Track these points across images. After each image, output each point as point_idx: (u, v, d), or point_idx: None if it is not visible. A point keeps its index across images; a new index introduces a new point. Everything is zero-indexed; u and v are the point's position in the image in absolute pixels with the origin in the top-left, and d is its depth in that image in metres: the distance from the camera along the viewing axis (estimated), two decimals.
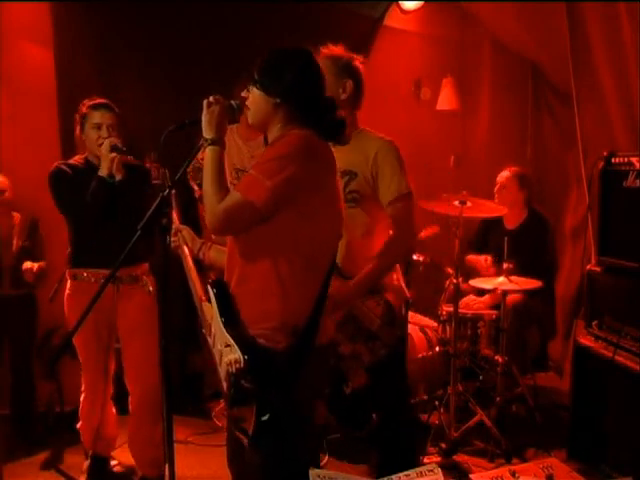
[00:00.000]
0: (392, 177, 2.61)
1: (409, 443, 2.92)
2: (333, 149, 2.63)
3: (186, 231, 2.39)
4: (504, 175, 4.28)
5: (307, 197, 1.94)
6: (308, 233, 1.97)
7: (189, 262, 2.29)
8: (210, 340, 2.07)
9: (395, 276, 2.74)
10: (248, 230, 1.97)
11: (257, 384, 1.84)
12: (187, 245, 2.36)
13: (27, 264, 3.73)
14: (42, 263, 3.82)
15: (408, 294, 2.84)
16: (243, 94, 2.10)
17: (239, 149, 3.61)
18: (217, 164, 1.99)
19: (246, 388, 1.84)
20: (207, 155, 2.01)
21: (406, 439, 2.87)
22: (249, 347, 1.88)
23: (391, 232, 2.65)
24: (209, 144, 2.00)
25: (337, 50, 2.69)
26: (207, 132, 2.01)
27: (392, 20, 5.05)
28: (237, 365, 1.85)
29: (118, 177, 2.96)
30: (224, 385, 1.97)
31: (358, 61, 2.71)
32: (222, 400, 2.34)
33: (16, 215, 3.91)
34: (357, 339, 2.59)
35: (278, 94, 2.00)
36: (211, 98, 2.05)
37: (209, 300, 2.09)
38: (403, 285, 2.79)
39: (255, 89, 2.03)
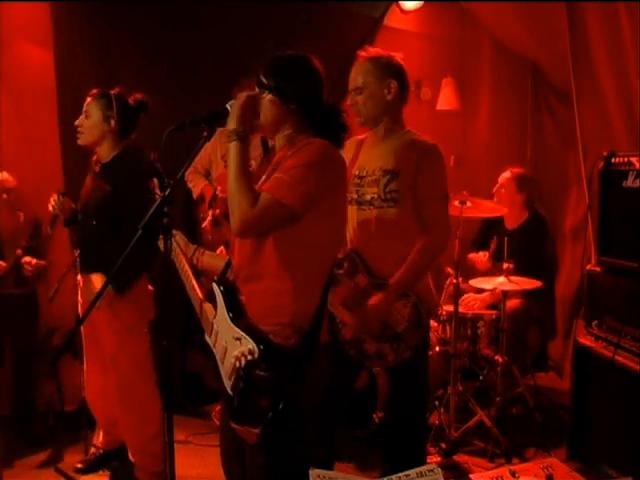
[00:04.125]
0: (430, 179, 2.60)
1: (419, 447, 2.90)
2: (376, 148, 2.69)
3: (179, 236, 2.37)
4: (505, 176, 4.28)
5: (326, 201, 1.99)
6: (322, 234, 2.01)
7: (185, 265, 2.29)
8: (211, 339, 2.08)
9: (425, 280, 2.72)
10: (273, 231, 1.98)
11: (273, 371, 1.86)
12: (181, 249, 2.35)
13: (27, 258, 3.74)
14: (42, 262, 3.82)
15: (437, 299, 2.82)
16: None
17: None
18: (242, 161, 1.95)
19: (260, 377, 1.85)
20: (231, 152, 1.97)
21: (417, 443, 2.85)
22: (262, 340, 1.90)
23: (425, 235, 2.61)
24: (233, 140, 1.97)
25: (375, 51, 2.68)
26: (233, 124, 1.97)
27: (392, 20, 5.05)
28: (250, 356, 1.87)
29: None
30: (227, 383, 1.97)
31: (398, 58, 2.69)
32: (221, 400, 2.34)
33: (21, 215, 3.91)
34: (383, 339, 2.58)
35: (295, 100, 2.02)
36: (252, 92, 2.02)
37: (209, 299, 2.09)
38: (433, 290, 2.77)
39: (269, 94, 2.03)
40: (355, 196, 2.67)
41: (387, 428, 2.81)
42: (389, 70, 2.65)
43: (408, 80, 2.71)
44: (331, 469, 2.67)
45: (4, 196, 3.82)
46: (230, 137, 1.97)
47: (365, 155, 2.74)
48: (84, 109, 3.06)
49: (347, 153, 2.79)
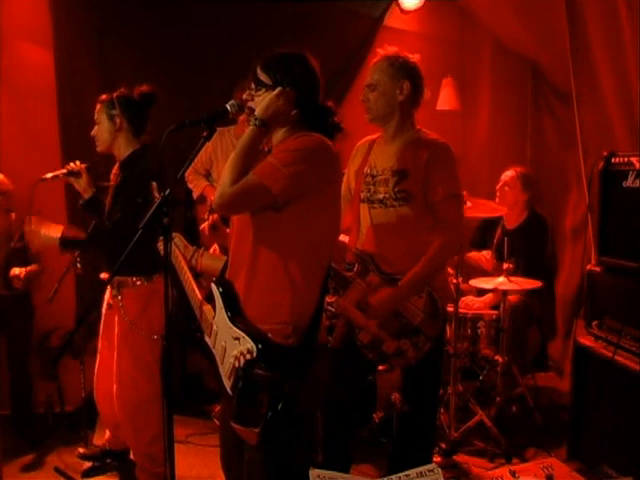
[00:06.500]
0: (442, 178, 2.60)
1: (430, 443, 2.91)
2: (387, 148, 2.70)
3: (178, 238, 2.38)
4: (509, 174, 4.27)
5: (319, 194, 1.99)
6: (318, 229, 2.02)
7: (184, 267, 2.29)
8: (211, 340, 2.07)
9: (443, 277, 2.73)
10: (254, 213, 1.99)
11: (272, 370, 1.85)
12: (180, 251, 2.35)
13: (14, 270, 3.72)
14: (34, 267, 3.80)
15: (454, 296, 2.82)
16: (245, 96, 2.10)
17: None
18: (248, 145, 1.98)
19: (260, 376, 1.85)
20: (245, 133, 2.00)
21: (425, 442, 2.85)
22: (261, 339, 1.90)
23: (439, 234, 2.61)
24: (252, 124, 1.99)
25: (393, 50, 2.69)
26: (258, 111, 1.99)
27: (392, 20, 5.05)
28: (249, 355, 1.87)
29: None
30: (227, 383, 1.97)
31: (415, 60, 2.70)
32: (220, 401, 2.34)
33: (12, 215, 3.90)
34: (401, 335, 2.58)
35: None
36: (287, 89, 2.02)
37: (208, 300, 2.09)
38: (451, 289, 2.77)
39: (264, 91, 2.03)
40: (367, 194, 2.68)
41: (399, 424, 2.80)
42: (404, 71, 2.65)
43: (423, 83, 2.70)
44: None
45: None
46: (250, 120, 2.00)
47: (376, 154, 2.75)
48: (95, 118, 3.07)
49: (359, 152, 2.82)
